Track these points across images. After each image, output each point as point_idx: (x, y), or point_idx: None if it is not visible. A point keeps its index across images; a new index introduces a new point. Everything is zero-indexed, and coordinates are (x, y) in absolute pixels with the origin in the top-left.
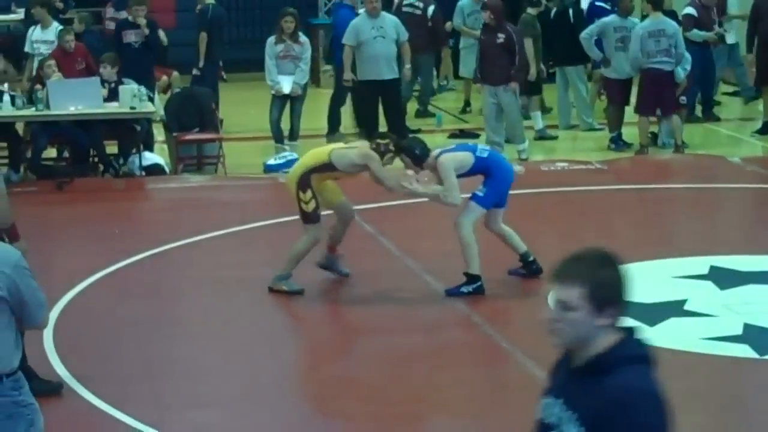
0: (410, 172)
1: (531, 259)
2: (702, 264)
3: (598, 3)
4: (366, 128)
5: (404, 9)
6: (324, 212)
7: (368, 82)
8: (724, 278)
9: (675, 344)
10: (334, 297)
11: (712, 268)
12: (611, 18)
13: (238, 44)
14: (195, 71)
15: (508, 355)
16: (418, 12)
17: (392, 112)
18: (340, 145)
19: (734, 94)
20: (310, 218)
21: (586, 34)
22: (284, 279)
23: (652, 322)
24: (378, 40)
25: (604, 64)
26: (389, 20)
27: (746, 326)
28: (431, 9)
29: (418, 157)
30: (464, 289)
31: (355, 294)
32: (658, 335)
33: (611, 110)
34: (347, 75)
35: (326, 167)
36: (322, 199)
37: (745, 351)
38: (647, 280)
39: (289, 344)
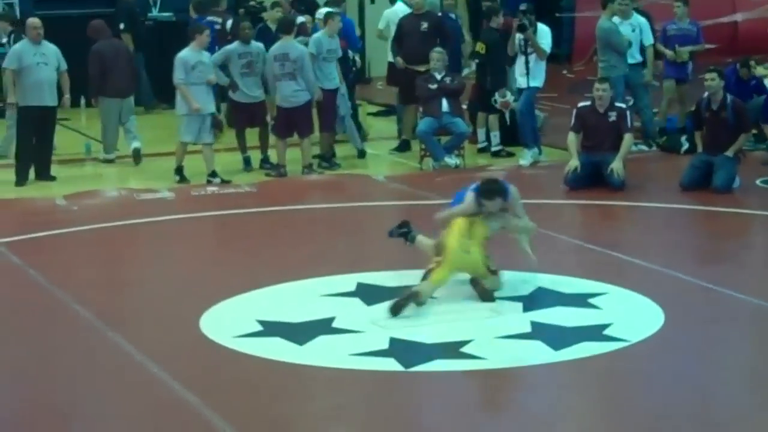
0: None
1: None
2: (349, 281)
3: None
4: (22, 154)
5: None
6: None
7: (30, 107)
8: (370, 294)
9: (324, 362)
10: None
11: (359, 285)
12: (235, 45)
13: None
14: None
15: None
16: None
17: (47, 138)
18: None
19: (377, 114)
20: None
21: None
22: None
23: (301, 341)
24: (41, 67)
25: (232, 89)
26: (51, 48)
27: (392, 340)
28: None
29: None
30: None
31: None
32: (307, 354)
33: (238, 134)
34: (11, 98)
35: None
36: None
37: (391, 365)
38: (296, 300)
39: None
